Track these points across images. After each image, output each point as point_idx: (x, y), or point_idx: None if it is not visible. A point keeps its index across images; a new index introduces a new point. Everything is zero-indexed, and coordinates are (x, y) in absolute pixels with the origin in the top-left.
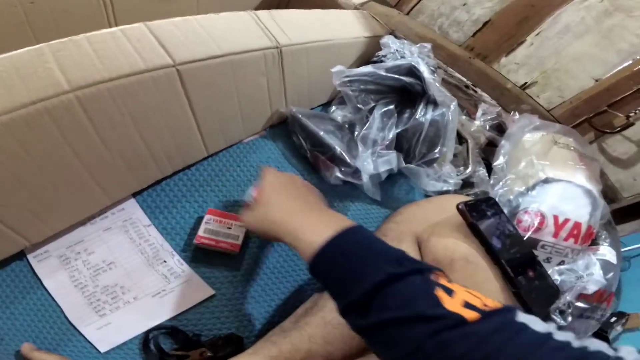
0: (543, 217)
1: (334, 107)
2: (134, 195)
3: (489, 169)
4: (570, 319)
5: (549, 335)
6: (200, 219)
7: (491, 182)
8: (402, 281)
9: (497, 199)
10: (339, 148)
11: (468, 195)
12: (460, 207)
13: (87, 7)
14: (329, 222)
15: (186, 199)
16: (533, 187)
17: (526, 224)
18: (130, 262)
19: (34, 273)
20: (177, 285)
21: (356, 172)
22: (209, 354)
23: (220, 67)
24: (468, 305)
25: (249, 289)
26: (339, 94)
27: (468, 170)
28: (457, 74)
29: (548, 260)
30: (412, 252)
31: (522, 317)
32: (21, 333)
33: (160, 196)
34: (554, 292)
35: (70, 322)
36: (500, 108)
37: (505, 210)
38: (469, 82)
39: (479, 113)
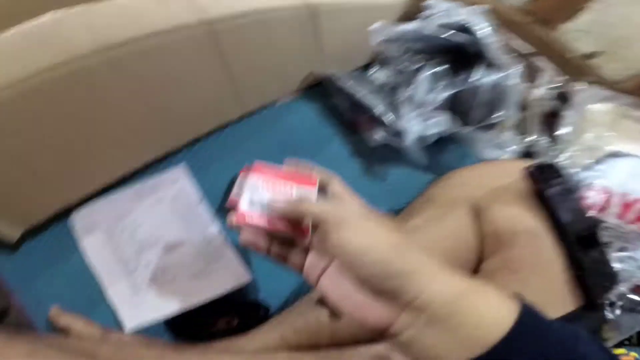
0: (609, 194)
1: (374, 69)
2: (172, 154)
3: (552, 140)
4: (618, 312)
5: None
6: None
7: (554, 153)
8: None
9: None
10: (379, 108)
11: None
12: (530, 170)
13: None
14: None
15: (220, 158)
16: (600, 161)
17: (589, 202)
18: (176, 239)
19: (77, 241)
20: (215, 267)
21: (398, 134)
22: (236, 322)
23: (255, 25)
24: None
25: None
26: (379, 56)
27: (530, 139)
28: (516, 42)
29: (609, 245)
30: (468, 221)
31: None
32: (57, 296)
33: (200, 152)
34: (613, 279)
35: (105, 295)
36: (565, 77)
37: None
38: (529, 51)
39: (541, 81)
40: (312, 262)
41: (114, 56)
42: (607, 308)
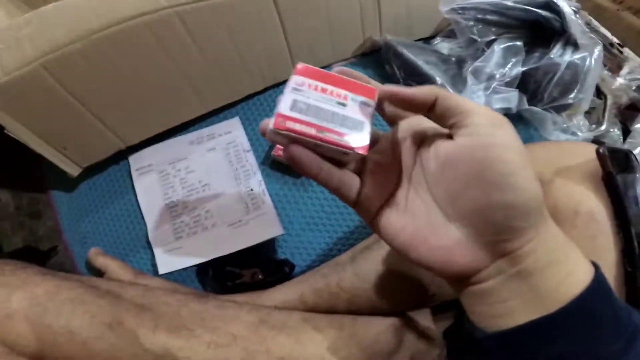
0: None
1: (438, 39)
2: (228, 107)
3: (625, 134)
4: None
5: None
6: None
7: (626, 145)
8: None
9: None
10: (440, 79)
11: None
12: (601, 150)
13: None
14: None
15: (271, 115)
16: None
17: None
18: (222, 186)
19: (131, 183)
20: (253, 217)
21: None
22: (261, 276)
23: None
24: None
25: (313, 216)
26: (446, 28)
27: (602, 128)
28: (602, 29)
29: None
30: None
31: None
32: (101, 238)
33: (251, 109)
34: None
35: (147, 238)
36: None
37: None
38: (614, 40)
39: (624, 70)
40: (371, 190)
41: (184, 10)
42: None
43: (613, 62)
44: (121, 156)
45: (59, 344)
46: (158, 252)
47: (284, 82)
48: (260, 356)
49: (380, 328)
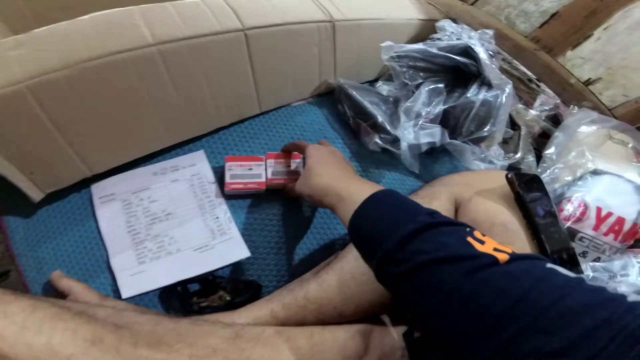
0: (586, 207)
1: (380, 82)
2: (194, 139)
3: (539, 160)
4: None
5: (581, 279)
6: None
7: (539, 170)
8: (436, 229)
9: None
10: (380, 117)
11: None
12: (509, 176)
13: None
14: (371, 185)
15: (237, 147)
16: (580, 178)
17: (567, 213)
18: (186, 215)
19: (92, 211)
20: (219, 242)
21: (395, 141)
22: (228, 298)
23: (280, 35)
24: (497, 250)
25: (277, 241)
26: (387, 72)
27: (517, 156)
28: (521, 67)
29: (584, 254)
30: (447, 210)
31: (551, 264)
32: (60, 263)
33: (216, 143)
34: None
35: (108, 264)
36: (559, 100)
37: None
38: (532, 76)
39: (536, 103)
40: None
41: (165, 50)
42: None
43: (530, 96)
44: (83, 184)
45: None
46: (120, 277)
47: (250, 118)
48: None
49: (348, 334)
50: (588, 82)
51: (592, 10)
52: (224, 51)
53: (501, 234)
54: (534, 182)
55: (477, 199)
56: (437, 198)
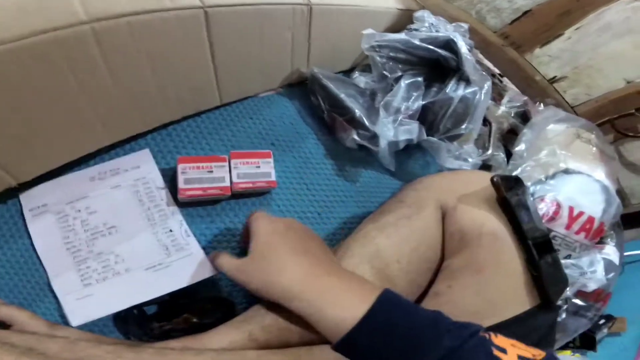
0: (559, 206)
1: (357, 74)
2: (138, 137)
3: (508, 156)
4: (564, 315)
5: None
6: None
7: (509, 167)
8: (463, 351)
9: None
10: (358, 111)
11: None
12: (495, 179)
13: None
14: (352, 289)
15: (192, 145)
16: (552, 176)
17: (541, 212)
18: (132, 228)
19: (25, 225)
20: (176, 260)
21: (373, 138)
22: (195, 320)
23: (248, 15)
24: (522, 358)
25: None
26: (363, 61)
27: (488, 153)
28: (486, 62)
29: (556, 252)
30: (435, 220)
31: None
32: None
33: (165, 140)
34: (565, 282)
35: (49, 287)
36: (527, 97)
37: None
38: (496, 71)
39: (505, 99)
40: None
41: (99, 28)
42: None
43: (495, 91)
44: (10, 195)
45: None
46: (66, 301)
47: (207, 111)
48: None
49: (337, 354)
50: (553, 80)
51: (567, 10)
52: (176, 32)
53: (490, 244)
54: (517, 184)
55: (462, 207)
56: (425, 206)
